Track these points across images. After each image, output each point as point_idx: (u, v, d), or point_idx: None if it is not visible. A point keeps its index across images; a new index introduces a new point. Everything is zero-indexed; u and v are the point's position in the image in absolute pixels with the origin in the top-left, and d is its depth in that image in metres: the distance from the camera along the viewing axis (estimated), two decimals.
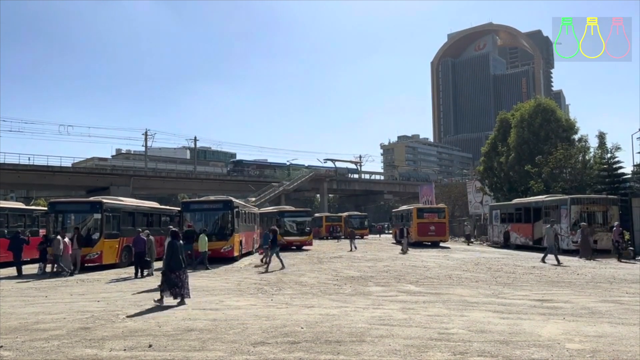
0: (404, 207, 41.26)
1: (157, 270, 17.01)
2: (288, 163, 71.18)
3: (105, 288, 13.17)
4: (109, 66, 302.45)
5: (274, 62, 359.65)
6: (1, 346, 6.47)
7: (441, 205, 38.63)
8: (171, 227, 12.64)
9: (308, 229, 31.23)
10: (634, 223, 21.32)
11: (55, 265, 16.68)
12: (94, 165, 71.58)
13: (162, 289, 9.91)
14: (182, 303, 9.72)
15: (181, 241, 10.65)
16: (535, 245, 25.77)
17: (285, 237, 28.44)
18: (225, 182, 61.94)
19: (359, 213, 55.83)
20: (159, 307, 9.48)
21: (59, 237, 16.70)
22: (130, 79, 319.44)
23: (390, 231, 50.03)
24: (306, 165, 71.64)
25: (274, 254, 17.76)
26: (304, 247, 30.25)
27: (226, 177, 63.55)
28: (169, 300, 9.84)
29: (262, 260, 19.72)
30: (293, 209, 35.70)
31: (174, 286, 9.81)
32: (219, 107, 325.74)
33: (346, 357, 5.72)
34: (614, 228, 20.72)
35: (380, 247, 32.22)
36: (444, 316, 8.19)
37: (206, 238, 18.75)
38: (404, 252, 24.86)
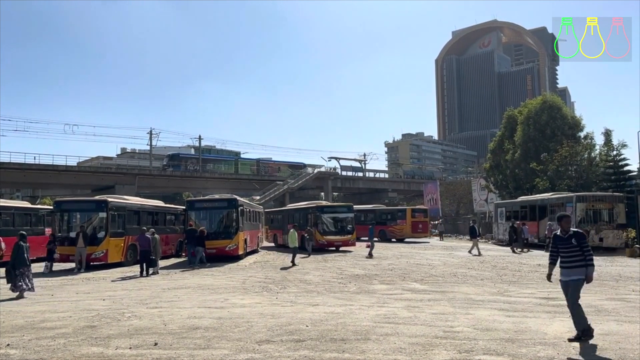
0: (366, 207, 40.53)
1: (162, 269, 17.12)
2: (235, 157, 71.52)
3: (111, 286, 13.25)
4: (113, 65, 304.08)
5: (278, 60, 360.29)
6: (8, 344, 6.51)
7: (423, 206, 43.11)
8: (22, 231, 12.49)
9: (350, 226, 26.14)
10: None
11: None
12: (99, 164, 71.92)
13: (8, 282, 11.16)
14: (21, 297, 10.95)
15: (27, 244, 11.59)
16: (541, 243, 25.64)
17: (324, 237, 25.13)
18: (230, 180, 62.00)
19: None
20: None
21: None
22: (135, 78, 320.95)
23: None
24: (256, 159, 71.83)
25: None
26: (343, 248, 25.52)
27: (231, 175, 63.58)
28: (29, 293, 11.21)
29: (370, 254, 21.49)
30: (331, 203, 33.96)
31: (15, 281, 11.00)
32: (223, 105, 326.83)
33: (351, 355, 5.71)
34: (547, 227, 21.25)
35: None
36: (449, 314, 8.18)
37: (296, 234, 19.39)
38: (479, 253, 22.06)
